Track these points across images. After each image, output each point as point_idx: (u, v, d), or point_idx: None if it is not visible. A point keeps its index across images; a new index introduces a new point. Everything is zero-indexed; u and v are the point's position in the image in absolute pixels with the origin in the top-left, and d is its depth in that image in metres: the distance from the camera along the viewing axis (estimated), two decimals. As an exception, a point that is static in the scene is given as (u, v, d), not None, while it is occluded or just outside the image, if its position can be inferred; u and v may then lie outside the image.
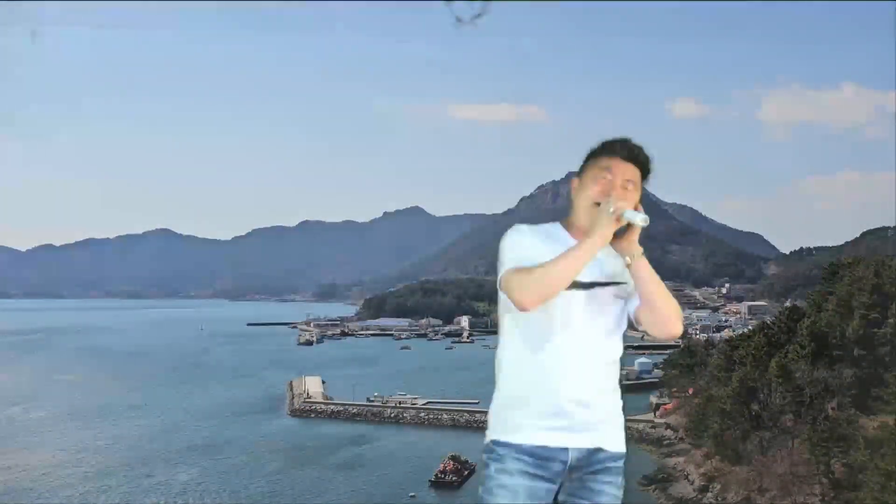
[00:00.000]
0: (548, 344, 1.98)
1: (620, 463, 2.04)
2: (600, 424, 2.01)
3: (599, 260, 2.01)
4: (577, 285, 1.97)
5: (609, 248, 2.03)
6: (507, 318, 2.05)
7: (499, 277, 2.00)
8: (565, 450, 1.98)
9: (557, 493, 2.01)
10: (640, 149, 2.09)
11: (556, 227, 2.09)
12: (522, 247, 2.00)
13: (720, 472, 42.38)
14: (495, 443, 2.02)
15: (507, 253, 2.01)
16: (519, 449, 1.98)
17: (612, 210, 1.94)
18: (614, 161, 2.06)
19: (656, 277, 2.02)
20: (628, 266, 2.00)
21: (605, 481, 2.01)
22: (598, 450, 2.00)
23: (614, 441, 2.03)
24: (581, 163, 2.13)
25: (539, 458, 1.97)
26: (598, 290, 2.01)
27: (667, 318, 2.01)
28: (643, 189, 2.14)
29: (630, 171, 2.06)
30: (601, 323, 2.01)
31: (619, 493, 2.03)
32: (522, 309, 1.92)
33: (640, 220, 1.98)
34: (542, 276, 1.90)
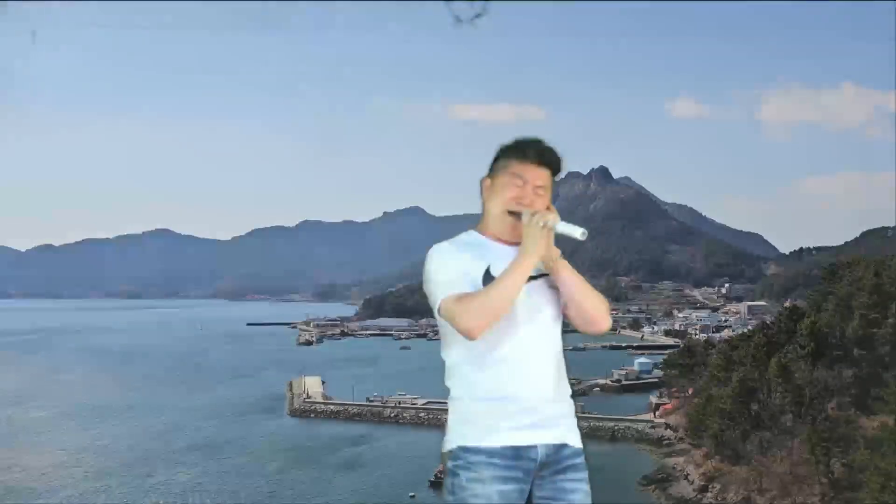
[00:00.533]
0: (501, 342, 1.96)
1: (582, 459, 2.04)
2: (563, 419, 2.02)
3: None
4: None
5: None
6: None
7: (434, 303, 1.97)
8: (535, 447, 1.96)
9: (530, 494, 1.98)
10: (551, 151, 2.06)
11: (472, 236, 2.08)
12: (450, 268, 1.97)
13: (720, 472, 42.42)
14: (463, 449, 1.96)
15: (438, 276, 1.98)
16: (490, 453, 1.93)
17: (542, 225, 1.94)
18: (526, 166, 2.03)
19: (578, 278, 2.03)
20: (548, 270, 2.01)
21: (575, 479, 2.00)
22: (564, 446, 2.00)
23: (575, 436, 2.04)
24: (492, 162, 2.10)
25: (510, 458, 1.94)
26: (533, 283, 2.00)
27: (594, 316, 2.03)
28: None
29: (542, 176, 2.03)
30: (544, 315, 2.01)
31: (589, 490, 2.03)
32: (470, 338, 1.90)
33: (580, 234, 1.97)
34: (483, 303, 1.88)
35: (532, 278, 2.00)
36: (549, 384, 1.98)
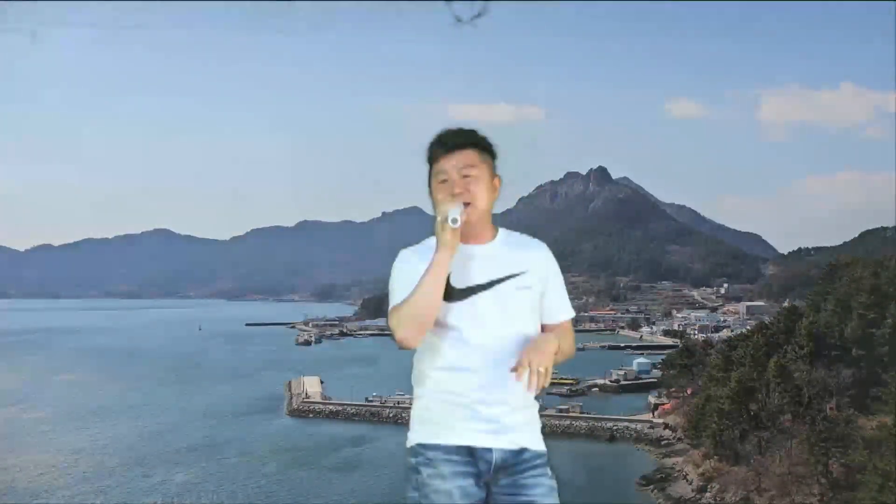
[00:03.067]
0: (462, 346, 1.96)
1: (544, 460, 2.04)
2: (523, 425, 2.01)
3: (495, 255, 2.01)
4: (476, 288, 1.98)
5: (507, 241, 2.05)
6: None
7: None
8: (490, 450, 1.97)
9: (488, 495, 1.99)
10: (455, 132, 2.04)
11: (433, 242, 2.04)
12: (403, 277, 1.97)
13: (718, 472, 42.42)
14: (422, 446, 1.99)
15: (392, 285, 1.99)
16: (447, 450, 1.96)
17: (440, 218, 1.92)
18: (442, 160, 2.03)
19: (564, 351, 2.02)
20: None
21: (536, 475, 2.00)
22: (524, 450, 2.00)
23: (536, 441, 2.04)
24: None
25: (466, 456, 1.97)
26: (499, 286, 1.98)
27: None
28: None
29: (460, 158, 2.01)
30: (510, 320, 1.98)
31: (553, 483, 2.02)
32: (406, 347, 1.91)
33: (459, 213, 1.92)
34: (408, 311, 1.88)
35: (499, 281, 1.98)
36: (506, 392, 1.95)
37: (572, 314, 2.12)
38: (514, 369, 1.89)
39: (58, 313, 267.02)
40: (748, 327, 75.56)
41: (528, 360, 1.87)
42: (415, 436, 2.02)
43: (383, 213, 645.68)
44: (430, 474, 1.96)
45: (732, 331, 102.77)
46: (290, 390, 76.59)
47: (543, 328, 2.06)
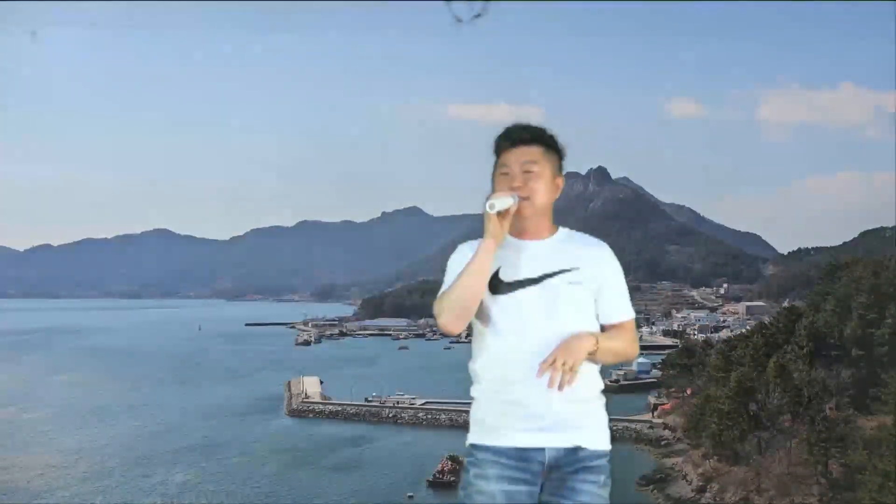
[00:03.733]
0: (506, 341, 1.97)
1: (603, 461, 2.00)
2: (578, 421, 1.97)
3: (549, 251, 2.00)
4: (525, 282, 1.97)
5: (565, 239, 2.04)
6: (476, 325, 2.03)
7: None
8: (542, 450, 1.95)
9: (540, 493, 1.97)
10: (522, 127, 2.04)
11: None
12: (457, 267, 1.99)
13: (718, 473, 42.40)
14: (473, 446, 2.01)
15: (445, 277, 2.01)
16: (496, 451, 1.96)
17: (487, 207, 1.93)
18: (504, 155, 2.02)
19: (607, 353, 2.00)
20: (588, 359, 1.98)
21: (586, 479, 1.96)
22: (578, 448, 1.97)
23: (594, 438, 1.99)
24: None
25: (516, 459, 1.95)
26: (549, 281, 1.97)
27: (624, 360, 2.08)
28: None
29: (523, 153, 2.00)
30: (561, 316, 1.96)
31: (602, 492, 1.98)
32: (448, 333, 2.00)
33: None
34: (448, 298, 1.92)
35: (549, 276, 1.97)
36: (555, 389, 1.92)
37: (631, 315, 2.06)
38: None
39: (57, 313, 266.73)
40: (748, 327, 75.53)
41: (555, 356, 1.88)
42: (469, 435, 2.05)
43: (383, 213, 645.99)
44: (476, 474, 1.98)
45: (732, 331, 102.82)
46: (289, 390, 76.54)
47: (602, 329, 2.04)
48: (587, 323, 1.99)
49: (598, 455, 1.99)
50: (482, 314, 1.99)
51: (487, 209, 1.91)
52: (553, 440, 1.95)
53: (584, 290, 1.99)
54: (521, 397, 1.94)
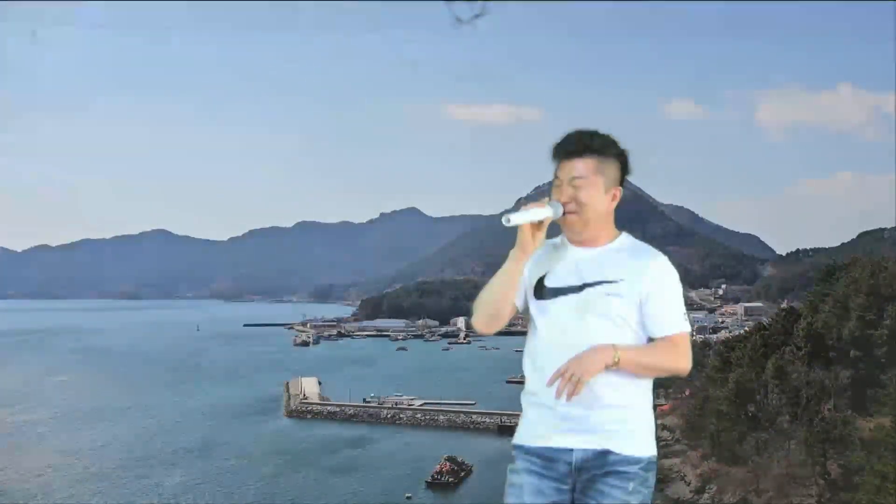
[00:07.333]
0: (542, 345, 2.04)
1: (635, 467, 1.98)
2: (608, 426, 1.98)
3: (598, 260, 2.02)
4: (566, 290, 2.01)
5: (619, 248, 2.04)
6: (529, 327, 2.12)
7: None
8: (570, 451, 1.98)
9: (573, 493, 2.02)
10: (575, 138, 2.02)
11: (558, 239, 2.13)
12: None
13: (716, 474, 42.41)
14: (513, 446, 2.10)
15: None
16: (527, 450, 2.04)
17: (503, 221, 1.96)
18: (558, 165, 2.04)
19: (642, 364, 1.99)
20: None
21: (613, 484, 1.97)
22: (607, 452, 1.98)
23: (625, 444, 1.99)
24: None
25: (544, 458, 2.01)
26: (589, 290, 1.99)
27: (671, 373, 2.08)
28: (630, 184, 2.13)
29: (573, 166, 2.00)
30: (591, 326, 1.98)
31: (630, 499, 1.97)
32: (480, 334, 2.14)
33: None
34: (478, 300, 2.06)
35: (589, 285, 1.99)
36: (588, 393, 1.94)
37: (679, 329, 2.00)
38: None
39: (55, 314, 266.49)
40: (746, 328, 75.54)
41: (566, 367, 1.91)
42: (514, 435, 2.13)
43: (381, 214, 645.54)
44: (511, 469, 2.07)
45: (730, 332, 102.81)
46: (288, 391, 76.52)
47: (650, 341, 2.03)
48: (622, 335, 1.98)
49: (629, 461, 1.98)
50: (529, 318, 2.09)
51: (504, 222, 1.94)
52: (581, 442, 1.99)
53: (625, 301, 1.98)
54: (551, 401, 1.98)
